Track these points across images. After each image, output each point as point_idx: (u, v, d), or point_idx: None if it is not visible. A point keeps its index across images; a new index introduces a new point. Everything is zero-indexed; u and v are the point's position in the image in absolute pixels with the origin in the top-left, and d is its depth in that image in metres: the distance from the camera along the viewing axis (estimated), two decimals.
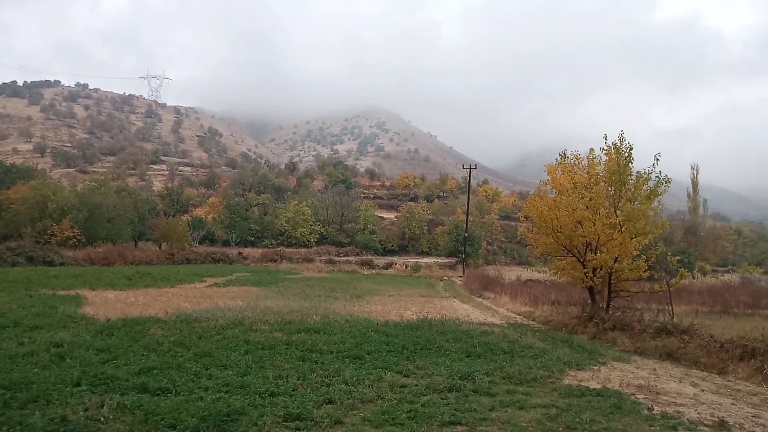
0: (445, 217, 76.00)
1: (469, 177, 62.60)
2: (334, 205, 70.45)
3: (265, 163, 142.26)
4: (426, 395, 7.86)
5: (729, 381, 10.40)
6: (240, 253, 56.97)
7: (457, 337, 13.18)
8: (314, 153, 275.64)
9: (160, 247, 50.77)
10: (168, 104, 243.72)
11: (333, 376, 8.67)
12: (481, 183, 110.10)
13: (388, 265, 57.43)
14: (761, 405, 8.52)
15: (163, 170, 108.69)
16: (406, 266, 57.22)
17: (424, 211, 75.67)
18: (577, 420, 6.91)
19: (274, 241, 64.65)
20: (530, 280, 37.63)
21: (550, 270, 19.80)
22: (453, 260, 62.72)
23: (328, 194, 73.85)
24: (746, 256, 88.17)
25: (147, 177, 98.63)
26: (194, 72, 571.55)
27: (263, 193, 75.67)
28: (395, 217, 75.94)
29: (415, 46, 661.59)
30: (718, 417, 7.45)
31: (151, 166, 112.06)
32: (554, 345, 13.42)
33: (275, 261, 54.71)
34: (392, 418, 6.71)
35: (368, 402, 7.41)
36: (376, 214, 73.84)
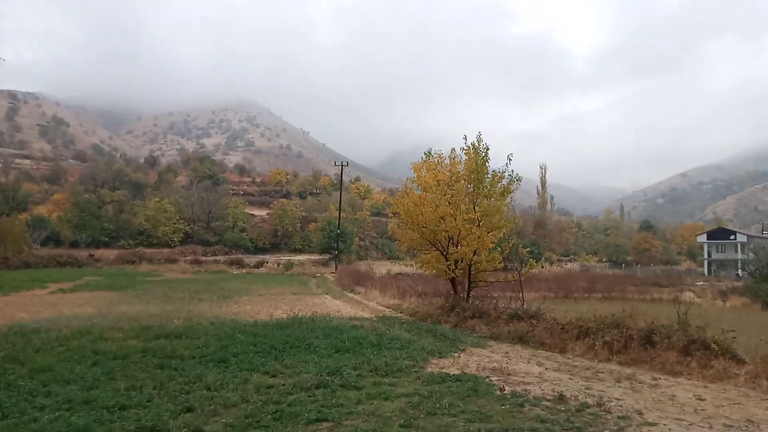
0: (318, 213, 75.90)
1: (341, 174, 63.16)
2: (201, 201, 66.89)
3: (121, 156, 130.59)
4: (293, 394, 7.76)
5: (568, 358, 11.65)
6: (91, 255, 51.92)
7: (327, 333, 13.23)
8: (178, 147, 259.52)
9: None
10: (0, 88, 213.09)
11: (194, 383, 8.22)
12: (353, 180, 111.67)
13: (260, 264, 56.02)
14: (592, 378, 9.66)
15: None
16: (279, 264, 56.27)
17: (297, 208, 74.88)
18: (438, 405, 7.27)
19: (131, 242, 59.77)
20: (399, 273, 39.06)
21: (416, 263, 20.67)
22: (326, 257, 62.90)
23: (194, 190, 69.88)
24: (585, 246, 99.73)
25: None
26: (37, 54, 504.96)
27: (119, 189, 69.43)
28: (267, 214, 74.15)
29: (289, 42, 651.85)
30: (558, 392, 8.30)
31: None
32: (419, 335, 14.02)
33: (133, 263, 50.65)
34: (257, 421, 6.53)
35: (232, 406, 7.13)
36: (246, 211, 71.48)
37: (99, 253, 53.89)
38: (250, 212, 73.57)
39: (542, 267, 54.81)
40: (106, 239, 59.06)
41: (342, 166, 61.60)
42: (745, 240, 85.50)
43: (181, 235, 62.49)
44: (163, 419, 6.47)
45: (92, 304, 19.54)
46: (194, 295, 23.83)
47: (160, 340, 11.74)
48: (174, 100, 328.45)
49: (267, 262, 57.37)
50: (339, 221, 61.08)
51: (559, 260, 79.67)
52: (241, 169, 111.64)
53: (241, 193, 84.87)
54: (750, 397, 8.47)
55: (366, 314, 19.47)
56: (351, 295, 29.12)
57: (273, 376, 8.90)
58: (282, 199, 78.33)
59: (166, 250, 58.36)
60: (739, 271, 68.67)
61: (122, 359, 9.74)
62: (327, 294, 29.18)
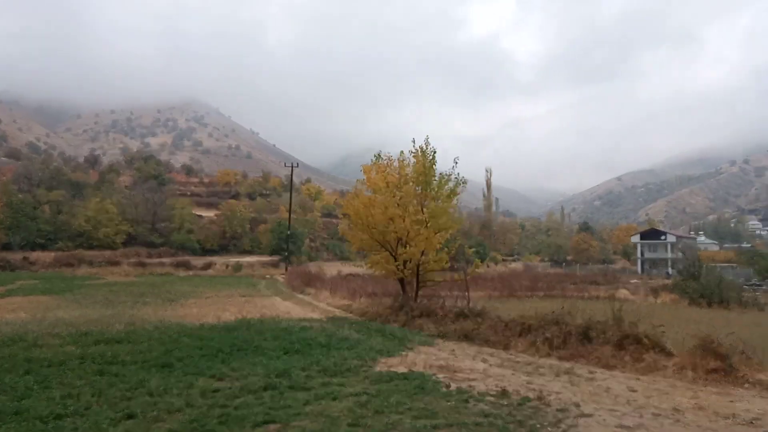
0: (268, 215, 74.86)
1: (291, 175, 62.53)
2: (145, 202, 64.58)
3: (59, 155, 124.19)
4: (240, 397, 7.69)
5: (511, 354, 12.04)
6: (26, 258, 49.26)
7: (276, 335, 13.14)
8: (121, 146, 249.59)
9: None
10: None
11: (136, 389, 8.00)
12: (304, 181, 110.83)
13: (207, 266, 54.71)
14: (533, 373, 10.05)
15: None
16: (227, 266, 55.14)
17: (246, 209, 73.50)
18: (385, 404, 7.39)
19: (70, 244, 56.92)
20: (350, 274, 39.05)
21: (366, 264, 20.78)
22: (276, 258, 62.12)
23: (138, 191, 67.40)
24: (528, 246, 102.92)
25: None
26: None
27: (56, 189, 66.01)
28: (215, 215, 72.39)
29: (240, 42, 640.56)
30: (501, 387, 8.59)
31: None
32: (369, 335, 14.11)
33: (72, 266, 48.43)
34: (202, 426, 6.43)
35: (176, 412, 6.99)
36: (193, 212, 69.58)
37: (34, 255, 51.12)
38: (198, 213, 71.68)
39: (488, 267, 56.08)
40: (43, 241, 56.01)
41: (292, 167, 61.00)
42: (675, 240, 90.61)
43: (124, 236, 60.08)
44: (102, 427, 6.28)
45: (26, 309, 18.57)
46: (137, 299, 23.04)
47: (99, 345, 11.33)
48: (117, 98, 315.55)
49: (215, 264, 56.08)
50: (289, 222, 60.44)
51: (503, 260, 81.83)
52: (188, 170, 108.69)
53: (189, 193, 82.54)
54: (677, 387, 9.04)
55: (316, 315, 19.41)
56: (301, 296, 28.92)
57: (219, 380, 8.77)
58: (231, 200, 76.70)
59: (108, 252, 56.00)
60: (669, 269, 72.69)
61: (58, 366, 9.34)
62: (277, 295, 28.86)
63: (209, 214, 74.09)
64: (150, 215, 64.15)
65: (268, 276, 48.73)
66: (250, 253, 67.12)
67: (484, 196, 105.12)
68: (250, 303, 23.41)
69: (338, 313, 20.84)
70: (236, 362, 10.03)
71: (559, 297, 28.95)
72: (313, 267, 48.62)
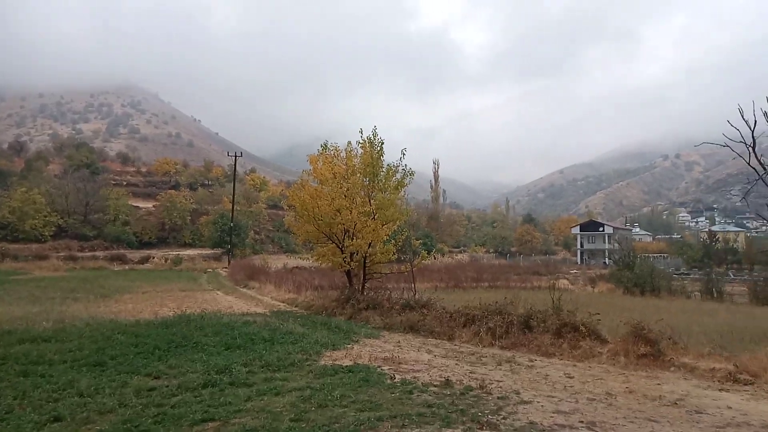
0: (210, 206, 72.70)
1: (235, 165, 60.99)
2: (77, 192, 61.17)
3: None
4: (177, 395, 7.39)
5: (455, 345, 12.23)
6: None
7: (218, 330, 12.76)
8: (50, 132, 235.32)
9: None
10: None
11: (64, 389, 7.54)
12: (249, 171, 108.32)
13: (145, 260, 52.68)
14: (476, 362, 10.23)
15: None
16: (166, 260, 53.32)
17: (186, 199, 71.09)
18: (329, 397, 7.30)
19: None
20: (296, 267, 38.61)
21: (312, 257, 20.54)
22: (219, 251, 60.56)
23: (69, 180, 63.66)
24: (474, 238, 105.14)
25: None
26: None
27: None
28: (153, 206, 69.63)
29: (181, 24, 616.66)
30: (444, 377, 8.69)
31: None
32: (314, 328, 13.97)
33: None
34: (136, 426, 6.13)
35: (108, 412, 6.63)
36: (130, 203, 66.62)
37: None
38: (135, 204, 68.68)
39: (434, 258, 56.87)
40: None
41: (236, 156, 59.49)
42: (612, 232, 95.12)
43: (53, 228, 56.73)
44: (25, 431, 5.87)
45: None
46: (68, 295, 21.83)
47: (24, 344, 10.62)
48: (46, 80, 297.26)
49: (153, 258, 54.06)
50: (232, 214, 59.00)
51: (450, 251, 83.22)
52: (124, 158, 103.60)
53: (124, 183, 78.86)
54: (610, 372, 9.44)
55: (260, 309, 19.03)
56: (244, 290, 28.32)
57: (156, 378, 8.41)
58: (170, 191, 73.90)
59: (35, 246, 52.81)
60: (607, 259, 76.24)
61: None
62: (219, 290, 28.13)
63: (147, 205, 71.21)
64: (82, 206, 60.90)
65: (209, 270, 47.48)
66: (190, 246, 65.11)
67: (431, 187, 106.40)
68: (190, 297, 22.69)
69: (283, 306, 20.53)
70: (174, 359, 9.66)
71: (503, 287, 29.73)
72: (257, 260, 47.73)
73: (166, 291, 25.53)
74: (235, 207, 60.59)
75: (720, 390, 8.23)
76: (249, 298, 24.11)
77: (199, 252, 60.76)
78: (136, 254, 55.22)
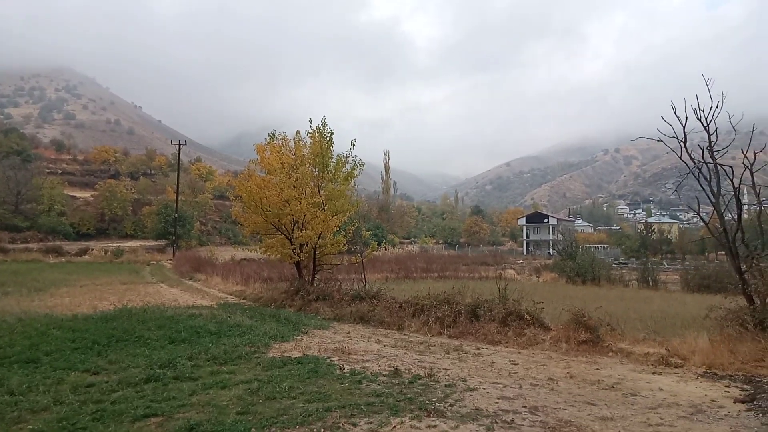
0: (153, 196, 70.17)
1: (179, 153, 58.94)
2: (6, 181, 57.47)
3: None
4: (118, 391, 7.12)
5: (405, 335, 12.35)
6: None
7: (161, 324, 12.38)
8: None
9: None
10: None
11: None
12: (194, 160, 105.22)
13: (83, 252, 50.26)
14: (425, 351, 10.38)
15: None
16: (106, 252, 51.01)
17: (127, 189, 68.32)
18: (277, 389, 7.22)
19: None
20: (244, 259, 37.81)
21: (261, 248, 20.19)
22: (163, 243, 58.56)
23: None
24: (424, 229, 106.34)
25: None
26: None
27: None
28: (92, 196, 66.49)
29: (122, 2, 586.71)
30: (393, 367, 8.77)
31: None
32: (262, 320, 13.77)
33: None
34: (72, 424, 5.87)
35: (42, 411, 6.31)
36: (65, 192, 63.32)
37: None
38: (71, 194, 65.39)
39: (385, 249, 57.26)
40: None
41: (179, 144, 57.50)
42: (556, 223, 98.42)
43: None
44: None
45: None
46: None
47: None
48: None
49: (92, 250, 51.61)
50: (177, 204, 57.10)
51: (401, 242, 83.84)
52: (58, 145, 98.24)
53: (60, 172, 74.83)
54: (552, 358, 9.79)
55: (206, 302, 18.58)
56: (190, 282, 27.57)
57: (95, 374, 8.07)
58: (110, 180, 70.72)
59: None
60: (551, 250, 78.94)
61: None
62: (162, 282, 27.25)
63: (85, 194, 67.96)
64: (13, 195, 57.34)
65: (153, 262, 45.89)
66: (132, 237, 62.66)
67: (382, 179, 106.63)
68: (132, 291, 21.88)
69: (230, 299, 20.13)
70: (114, 354, 9.29)
71: (452, 278, 30.24)
72: (203, 252, 46.50)
73: (106, 284, 24.52)
74: (179, 197, 58.64)
75: (653, 373, 8.69)
76: (195, 290, 23.49)
77: (142, 244, 58.52)
78: (73, 246, 52.58)
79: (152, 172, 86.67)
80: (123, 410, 6.32)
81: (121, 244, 55.29)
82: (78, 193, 67.89)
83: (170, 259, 46.42)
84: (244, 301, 19.44)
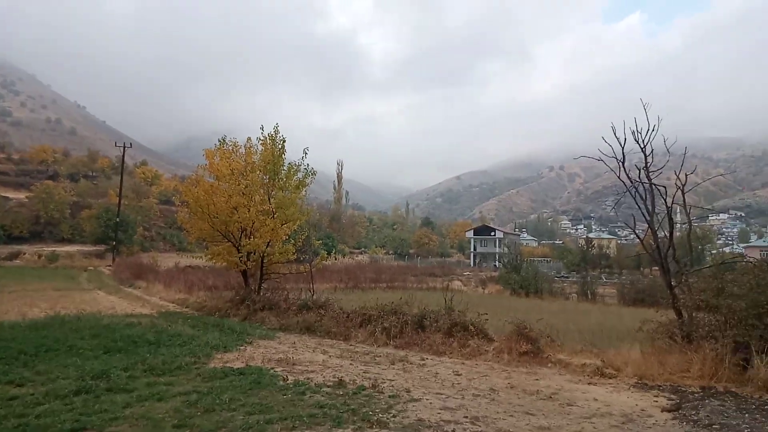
0: (94, 199, 67.29)
1: (123, 155, 56.77)
2: None
3: None
4: (44, 404, 6.73)
5: (351, 345, 12.30)
6: None
7: (96, 332, 11.85)
8: None
9: None
10: None
11: None
12: (139, 164, 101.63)
13: (14, 256, 47.57)
14: (370, 362, 10.36)
15: None
16: (40, 256, 48.46)
17: (66, 191, 65.19)
18: (217, 401, 7.02)
19: None
20: (189, 266, 36.71)
21: (206, 256, 19.68)
22: (102, 248, 56.10)
23: None
24: (375, 239, 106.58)
25: None
26: None
27: None
28: (26, 197, 62.98)
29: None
30: (338, 377, 8.70)
31: None
32: (205, 330, 13.39)
33: None
34: None
35: None
36: None
37: None
38: (3, 194, 61.80)
39: (335, 259, 56.89)
40: None
41: (124, 146, 55.41)
42: (502, 236, 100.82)
43: None
44: None
45: None
46: None
47: None
48: None
49: (24, 254, 48.92)
50: (119, 208, 54.88)
51: (351, 252, 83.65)
52: None
53: None
54: (495, 369, 9.99)
55: (146, 310, 17.91)
56: (129, 290, 26.50)
57: (19, 386, 7.60)
58: (47, 181, 67.27)
59: None
60: (497, 262, 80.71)
61: None
62: (100, 289, 26.09)
63: (19, 195, 64.37)
64: None
65: (91, 268, 43.88)
66: (69, 241, 59.73)
67: (334, 188, 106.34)
68: (66, 297, 20.82)
69: (172, 307, 19.49)
70: (43, 365, 8.80)
71: (400, 288, 30.39)
72: (145, 258, 44.81)
73: (38, 290, 23.24)
74: (122, 201, 56.40)
75: (589, 384, 9.01)
76: (134, 298, 22.59)
77: (80, 248, 55.86)
78: (3, 249, 49.65)
79: (94, 174, 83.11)
80: (48, 424, 5.98)
81: (56, 249, 52.60)
82: (11, 194, 64.25)
83: (109, 265, 44.55)
84: (187, 309, 18.85)
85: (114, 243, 53.03)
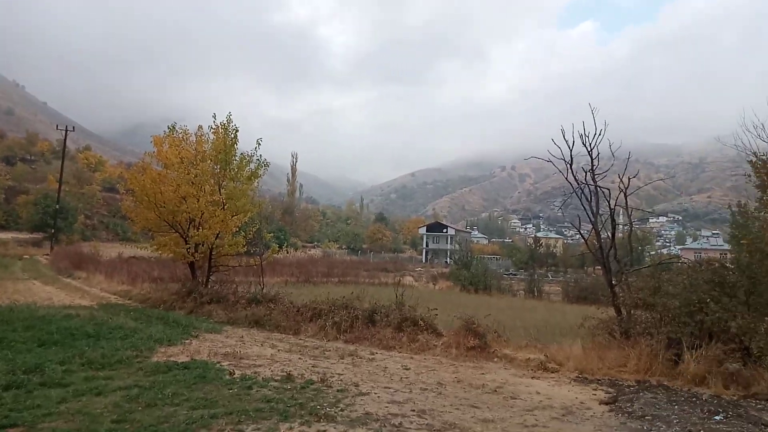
0: (32, 184, 63.91)
1: (65, 139, 54.15)
2: None
3: None
4: None
5: (300, 339, 12.21)
6: None
7: (30, 324, 11.27)
8: None
9: None
10: None
11: None
12: (82, 149, 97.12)
13: None
14: (320, 356, 10.31)
15: None
16: None
17: (1, 175, 61.55)
18: (159, 396, 6.82)
19: None
20: (133, 257, 35.39)
21: (152, 246, 19.04)
22: (40, 236, 53.36)
23: None
24: (328, 234, 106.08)
25: None
26: None
27: None
28: None
29: None
30: (286, 372, 8.61)
31: None
32: (148, 323, 12.97)
33: None
34: None
35: None
36: None
37: None
38: None
39: (287, 252, 56.17)
40: None
41: (66, 130, 52.83)
42: (454, 233, 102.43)
43: None
44: None
45: None
46: None
47: None
48: None
49: None
50: (59, 195, 52.31)
51: (303, 246, 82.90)
52: None
53: None
54: (442, 363, 10.14)
55: (85, 302, 17.17)
56: (68, 280, 25.32)
57: None
58: None
59: None
60: (448, 259, 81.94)
61: None
62: (36, 279, 24.80)
63: None
64: None
65: (26, 256, 41.64)
66: (4, 228, 56.60)
67: (288, 181, 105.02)
68: None
69: (114, 299, 18.77)
70: None
71: (352, 283, 30.33)
72: (86, 247, 42.89)
73: None
74: (63, 187, 53.79)
75: (532, 378, 9.28)
76: (74, 289, 21.61)
77: (15, 236, 52.91)
78: None
79: (32, 158, 79.01)
80: None
81: None
82: None
83: (47, 254, 42.43)
84: (130, 301, 18.19)
85: (53, 231, 50.53)
